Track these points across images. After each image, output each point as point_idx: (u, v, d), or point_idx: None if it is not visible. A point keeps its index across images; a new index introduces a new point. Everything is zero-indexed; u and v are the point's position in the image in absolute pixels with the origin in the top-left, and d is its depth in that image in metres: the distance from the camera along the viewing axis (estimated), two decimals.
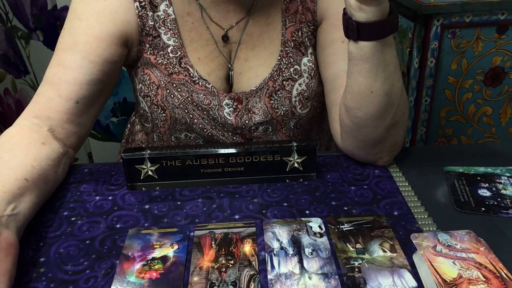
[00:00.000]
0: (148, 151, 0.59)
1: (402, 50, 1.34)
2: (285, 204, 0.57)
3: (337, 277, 0.46)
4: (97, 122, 1.49)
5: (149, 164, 0.60)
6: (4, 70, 1.51)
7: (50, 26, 1.41)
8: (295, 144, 0.60)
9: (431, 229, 0.52)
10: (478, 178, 0.61)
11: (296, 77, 0.70)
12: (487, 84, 1.28)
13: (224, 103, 0.69)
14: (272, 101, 0.69)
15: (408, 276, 0.46)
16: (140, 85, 0.70)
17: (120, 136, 1.41)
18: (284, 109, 0.69)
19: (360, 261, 0.48)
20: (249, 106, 0.69)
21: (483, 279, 0.43)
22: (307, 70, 0.70)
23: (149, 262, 0.48)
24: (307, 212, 0.56)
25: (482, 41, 1.22)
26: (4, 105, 1.58)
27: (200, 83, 0.68)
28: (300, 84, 0.69)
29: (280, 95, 0.69)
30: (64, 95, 0.63)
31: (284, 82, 0.69)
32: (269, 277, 0.46)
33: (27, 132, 0.61)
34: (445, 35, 1.21)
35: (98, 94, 0.67)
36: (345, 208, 0.56)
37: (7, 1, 1.39)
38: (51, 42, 1.42)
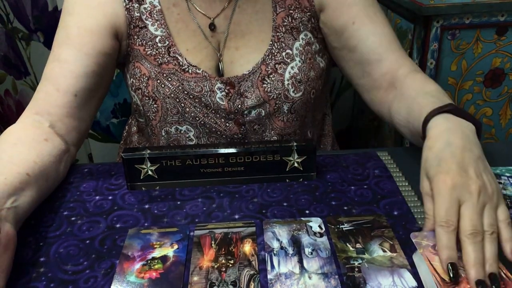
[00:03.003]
0: (148, 151, 0.59)
1: None
2: (285, 204, 0.57)
3: (337, 276, 0.46)
4: (97, 123, 1.49)
5: (149, 164, 0.60)
6: (5, 71, 1.51)
7: (50, 27, 1.41)
8: (295, 144, 0.60)
9: None
10: None
11: (288, 60, 0.70)
12: (487, 85, 1.28)
13: (216, 87, 0.69)
14: (265, 85, 0.69)
15: (408, 276, 0.46)
16: (132, 79, 0.71)
17: (120, 137, 1.41)
18: (276, 92, 0.70)
19: (360, 261, 0.48)
20: (242, 91, 0.70)
21: None
22: (299, 54, 0.71)
23: (149, 261, 0.48)
24: (307, 212, 0.56)
25: (481, 42, 1.22)
26: (5, 106, 1.58)
27: (190, 71, 0.69)
28: (292, 68, 0.70)
29: (272, 78, 0.69)
30: (61, 88, 0.64)
31: (277, 66, 0.70)
32: (269, 277, 0.46)
33: (30, 129, 0.62)
34: (445, 36, 1.21)
35: (95, 87, 0.68)
36: (345, 208, 0.56)
37: (7, 2, 1.39)
38: (51, 44, 1.42)
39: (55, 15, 1.39)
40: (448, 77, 1.26)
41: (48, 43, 1.41)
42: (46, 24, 1.42)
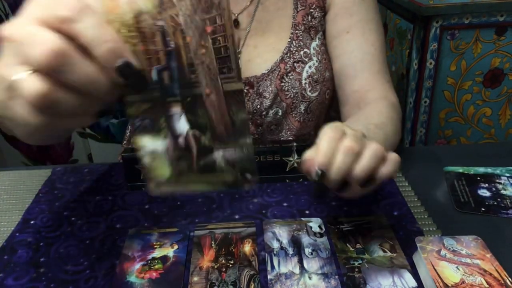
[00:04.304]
0: None
1: (402, 52, 1.34)
2: (285, 204, 0.57)
3: (337, 277, 0.46)
4: (97, 123, 1.49)
5: None
6: None
7: None
8: (295, 144, 0.60)
9: (431, 229, 0.52)
10: (478, 178, 0.61)
11: (306, 59, 0.71)
12: (486, 85, 1.28)
13: None
14: (283, 83, 0.70)
15: (408, 276, 0.46)
16: None
17: (120, 137, 1.41)
18: (294, 91, 0.70)
19: (360, 261, 0.48)
20: (260, 91, 0.70)
21: (486, 286, 0.43)
22: (316, 54, 0.71)
23: (149, 262, 0.48)
24: (307, 212, 0.56)
25: (481, 42, 1.22)
26: None
27: None
28: (310, 67, 0.71)
29: (290, 77, 0.70)
30: None
31: (295, 64, 0.70)
32: (269, 277, 0.46)
33: None
34: (444, 36, 1.21)
35: None
36: (345, 208, 0.56)
37: (7, 2, 1.39)
38: None
39: None
40: (447, 77, 1.27)
41: None
42: None
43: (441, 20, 1.18)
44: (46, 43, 0.29)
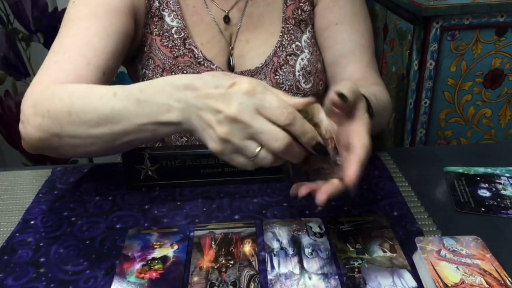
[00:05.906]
0: (148, 151, 0.59)
1: (402, 53, 1.34)
2: (285, 204, 0.57)
3: (337, 277, 0.46)
4: None
5: (149, 164, 0.60)
6: (5, 72, 1.51)
7: (50, 28, 1.41)
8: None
9: (431, 229, 0.52)
10: (478, 178, 0.61)
11: (298, 52, 0.72)
12: (487, 86, 1.28)
13: None
14: (278, 77, 0.71)
15: (408, 276, 0.46)
16: (144, 70, 0.71)
17: None
18: (288, 83, 0.71)
19: (360, 261, 0.48)
20: None
21: (486, 286, 0.43)
22: (307, 46, 0.73)
23: (149, 262, 0.48)
24: (307, 212, 0.56)
25: (481, 43, 1.22)
26: (5, 107, 1.58)
27: (206, 65, 0.70)
28: (302, 59, 0.72)
29: (284, 69, 0.71)
30: (93, 62, 0.59)
31: (288, 57, 0.72)
32: (269, 277, 0.46)
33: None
34: (444, 37, 1.21)
35: (116, 70, 0.65)
36: (345, 208, 0.56)
37: (7, 3, 1.40)
38: (51, 44, 1.42)
39: (55, 16, 1.39)
40: (447, 78, 1.27)
41: (48, 44, 1.41)
42: (46, 25, 1.42)
43: (441, 21, 1.18)
44: (283, 139, 0.41)
